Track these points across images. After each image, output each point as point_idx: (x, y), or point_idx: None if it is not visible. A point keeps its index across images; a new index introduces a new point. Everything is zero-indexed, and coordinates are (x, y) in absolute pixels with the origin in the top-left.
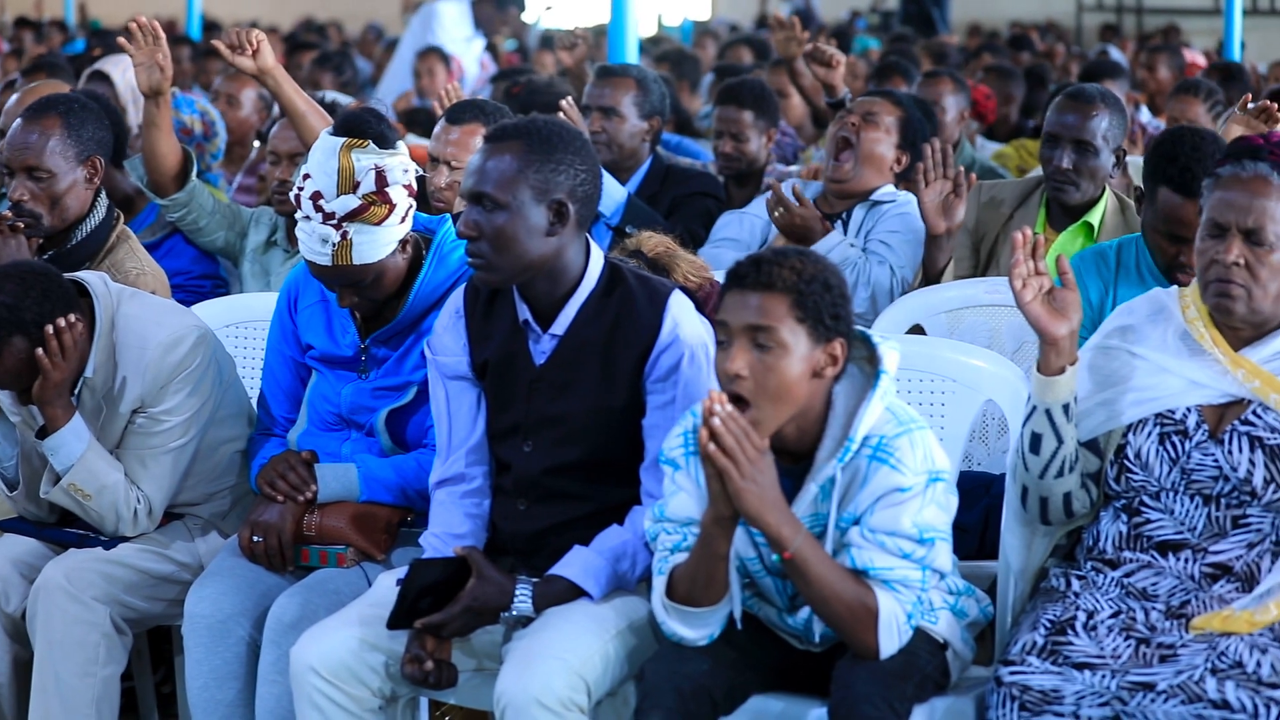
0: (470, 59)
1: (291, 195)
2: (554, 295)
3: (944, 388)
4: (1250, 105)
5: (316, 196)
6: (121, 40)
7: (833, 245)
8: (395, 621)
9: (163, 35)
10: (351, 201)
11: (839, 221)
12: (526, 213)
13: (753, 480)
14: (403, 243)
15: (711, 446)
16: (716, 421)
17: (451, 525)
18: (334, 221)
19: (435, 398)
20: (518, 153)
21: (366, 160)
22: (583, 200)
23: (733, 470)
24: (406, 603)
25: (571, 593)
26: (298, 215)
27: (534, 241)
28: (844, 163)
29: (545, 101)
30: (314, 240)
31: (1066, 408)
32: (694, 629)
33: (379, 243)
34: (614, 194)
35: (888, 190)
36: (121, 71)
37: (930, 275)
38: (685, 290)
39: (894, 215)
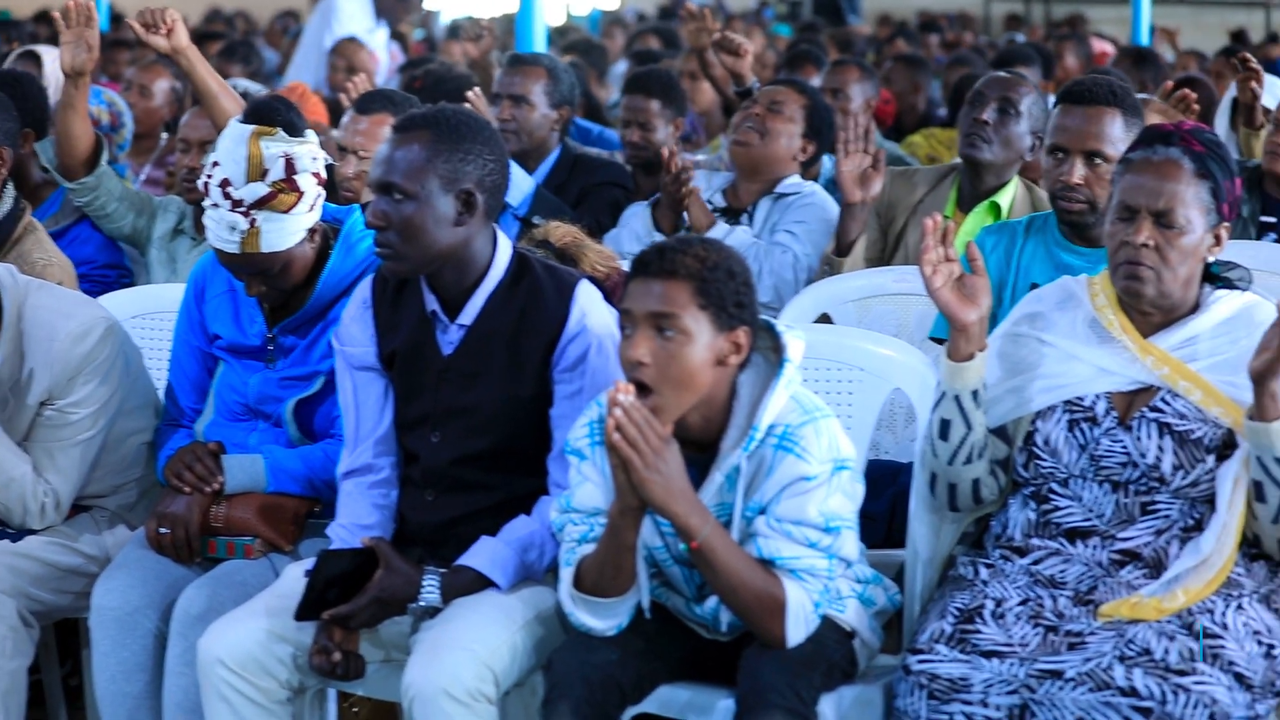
0: (376, 49)
1: (200, 183)
2: (462, 285)
3: (851, 376)
4: (1169, 95)
5: (225, 184)
6: (56, 15)
7: (725, 234)
8: (303, 613)
9: (96, 17)
10: (260, 189)
11: (745, 215)
12: (434, 202)
13: (657, 470)
14: (311, 231)
15: (615, 436)
16: (619, 411)
17: (359, 516)
18: (242, 209)
19: (342, 388)
20: (426, 142)
21: (275, 148)
22: (490, 190)
23: (636, 460)
24: (314, 594)
25: (479, 583)
26: (205, 203)
27: (442, 231)
28: (750, 134)
29: (449, 90)
30: (222, 228)
31: (976, 394)
32: (602, 619)
33: (287, 231)
34: (521, 184)
35: (793, 182)
36: (52, 59)
37: (842, 246)
38: (593, 280)
39: (800, 206)
